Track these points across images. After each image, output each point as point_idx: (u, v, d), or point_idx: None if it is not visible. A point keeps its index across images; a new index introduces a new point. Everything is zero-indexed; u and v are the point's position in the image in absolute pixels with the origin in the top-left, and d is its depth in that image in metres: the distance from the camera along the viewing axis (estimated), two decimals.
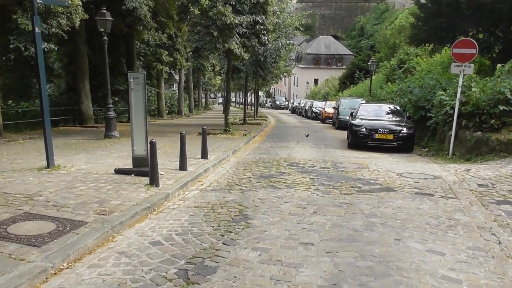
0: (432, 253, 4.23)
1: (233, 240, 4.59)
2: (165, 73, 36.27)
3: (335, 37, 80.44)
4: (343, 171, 9.11)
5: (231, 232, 4.87)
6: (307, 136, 17.04)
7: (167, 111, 37.77)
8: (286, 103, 64.69)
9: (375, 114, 14.48)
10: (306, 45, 70.72)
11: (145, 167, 7.45)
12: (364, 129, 12.93)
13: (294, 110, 46.46)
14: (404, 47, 33.92)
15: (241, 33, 15.26)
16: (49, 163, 8.18)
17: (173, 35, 26.40)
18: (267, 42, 16.34)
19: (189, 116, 38.09)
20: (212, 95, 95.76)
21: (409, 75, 23.44)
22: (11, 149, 11.66)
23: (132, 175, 7.62)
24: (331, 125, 25.17)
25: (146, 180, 7.05)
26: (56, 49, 14.85)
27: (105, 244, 4.50)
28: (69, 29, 14.00)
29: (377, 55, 43.81)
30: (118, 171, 7.82)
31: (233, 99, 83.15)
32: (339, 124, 21.98)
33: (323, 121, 28.30)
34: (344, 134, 18.38)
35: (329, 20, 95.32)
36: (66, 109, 22.29)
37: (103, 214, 5.27)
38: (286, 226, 5.09)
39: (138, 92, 7.45)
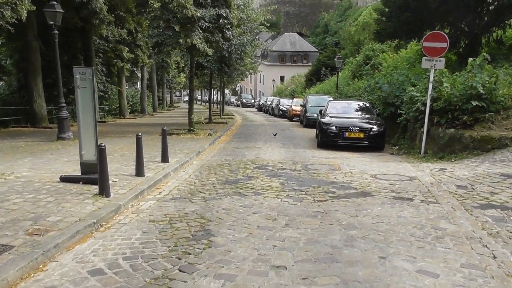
0: (424, 275, 3.65)
1: (191, 265, 3.85)
2: (127, 71, 34.83)
3: (300, 34, 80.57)
4: (314, 173, 8.52)
5: (190, 254, 4.13)
6: (275, 135, 16.44)
7: (129, 110, 36.33)
8: (253, 101, 64.09)
9: (345, 112, 14.04)
10: (271, 42, 70.45)
11: (95, 174, 6.56)
12: (334, 128, 12.44)
13: (261, 108, 45.90)
14: (369, 43, 34.07)
15: (204, 27, 14.45)
16: None
17: (133, 31, 25.16)
18: (231, 37, 15.58)
19: (152, 115, 36.77)
20: (177, 93, 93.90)
21: (376, 71, 23.31)
22: None
23: (80, 184, 6.72)
24: (299, 123, 24.71)
25: (96, 189, 6.18)
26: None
27: (32, 275, 3.66)
28: (16, 21, 12.74)
29: (342, 52, 43.90)
30: (64, 179, 6.90)
31: (199, 97, 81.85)
32: (307, 122, 21.53)
33: (290, 119, 27.82)
34: (312, 132, 17.94)
35: (294, 17, 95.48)
36: (18, 108, 20.71)
37: (36, 234, 4.40)
38: (255, 244, 4.40)
39: (85, 89, 6.56)
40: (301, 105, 24.32)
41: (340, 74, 29.21)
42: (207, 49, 14.35)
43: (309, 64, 60.63)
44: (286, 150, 12.21)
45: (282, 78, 66.63)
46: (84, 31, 22.77)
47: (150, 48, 16.56)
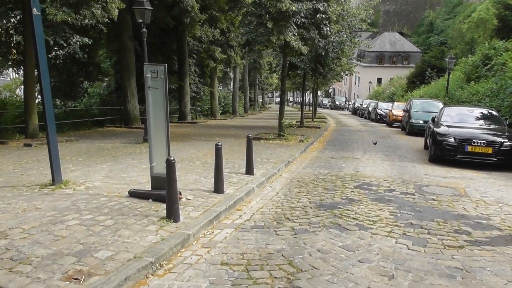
0: None
1: None
2: (219, 72, 34.93)
3: (401, 33, 75.41)
4: (434, 200, 6.68)
5: None
6: (375, 143, 14.50)
7: (220, 111, 36.46)
8: (347, 103, 61.33)
9: (464, 120, 11.70)
10: (369, 42, 66.88)
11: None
12: (452, 139, 10.26)
13: (356, 111, 43.31)
14: (485, 41, 30.00)
15: (299, 23, 13.10)
16: (54, 179, 6.55)
17: (226, 30, 24.71)
18: (329, 34, 14.00)
19: (243, 116, 36.44)
20: (269, 95, 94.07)
21: (499, 73, 20.01)
22: (38, 154, 10.37)
23: (150, 200, 5.75)
24: (400, 129, 22.21)
25: (165, 209, 5.12)
26: (89, 42, 13.51)
27: None
28: (108, 21, 12.61)
29: (451, 52, 39.57)
30: (133, 194, 5.99)
31: (290, 99, 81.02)
32: (411, 129, 19.09)
33: (390, 124, 25.29)
34: (418, 141, 15.68)
35: (394, 16, 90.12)
36: (114, 108, 21.34)
37: (75, 279, 3.38)
38: None
39: (156, 91, 5.56)
40: (403, 110, 21.78)
41: (450, 76, 25.91)
42: (301, 47, 12.96)
43: (410, 65, 56.29)
44: (390, 164, 10.35)
45: (379, 80, 62.88)
46: (178, 32, 22.82)
47: (241, 47, 15.54)
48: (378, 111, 30.16)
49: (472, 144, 9.96)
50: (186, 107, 24.93)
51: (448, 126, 10.99)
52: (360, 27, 17.81)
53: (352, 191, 7.13)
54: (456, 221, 5.53)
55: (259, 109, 55.45)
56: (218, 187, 6.40)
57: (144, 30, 12.40)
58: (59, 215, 4.95)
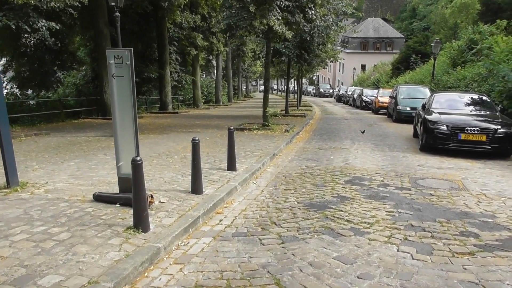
0: None
1: None
2: (202, 60, 33.96)
3: (384, 19, 75.06)
4: (432, 195, 6.14)
5: None
6: (363, 132, 13.96)
7: (203, 100, 35.59)
8: (331, 90, 60.91)
9: (456, 107, 11.22)
10: (352, 28, 66.34)
11: None
12: (444, 127, 9.74)
13: (340, 99, 42.85)
14: (468, 26, 29.69)
15: (282, 6, 12.39)
16: (9, 181, 5.78)
17: (207, 16, 23.73)
18: (314, 17, 13.31)
19: (227, 105, 35.63)
20: (253, 83, 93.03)
21: (485, 57, 19.64)
22: None
23: (117, 205, 5.06)
24: (386, 116, 21.77)
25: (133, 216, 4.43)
26: (57, 27, 12.52)
27: None
28: (78, 5, 11.69)
29: (434, 37, 39.27)
30: (98, 198, 5.29)
31: (275, 87, 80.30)
32: (398, 116, 18.66)
33: (375, 111, 24.85)
34: (406, 128, 15.26)
35: (377, 1, 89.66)
36: (91, 99, 20.33)
37: None
38: None
39: (121, 79, 4.82)
40: (390, 97, 21.31)
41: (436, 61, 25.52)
42: (285, 31, 12.26)
43: (394, 51, 56.05)
44: (381, 154, 9.81)
45: (363, 67, 62.52)
46: (157, 18, 21.82)
47: (223, 33, 14.74)
48: (364, 98, 29.70)
49: (466, 131, 9.46)
50: (167, 97, 24.01)
51: (440, 113, 10.48)
52: (345, 11, 17.13)
53: (344, 187, 6.55)
54: (460, 220, 4.99)
55: (243, 97, 54.58)
56: (196, 188, 5.73)
57: (117, 14, 11.59)
58: (5, 227, 4.21)
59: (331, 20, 14.83)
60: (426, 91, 19.40)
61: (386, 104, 22.61)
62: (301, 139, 12.73)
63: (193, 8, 22.90)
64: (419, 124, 11.54)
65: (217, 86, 36.56)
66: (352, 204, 5.63)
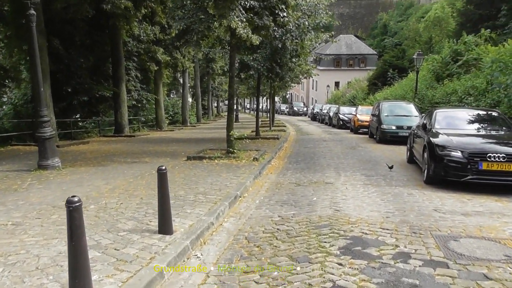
0: None
1: None
2: (167, 77, 31.30)
3: (356, 36, 74.67)
4: (486, 277, 3.70)
5: None
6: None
7: (168, 121, 32.85)
8: (305, 109, 59.20)
9: (465, 126, 8.99)
10: (325, 45, 65.27)
11: None
12: (459, 154, 7.43)
13: (315, 117, 40.89)
14: (443, 40, 28.39)
15: (247, 6, 10.06)
16: None
17: (166, 26, 21.23)
18: (286, 21, 11.00)
19: (194, 126, 32.99)
20: (225, 102, 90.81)
21: (473, 68, 17.88)
22: None
23: None
24: (368, 136, 19.62)
25: None
26: None
27: None
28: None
29: (410, 52, 38.07)
30: None
31: (247, 105, 78.36)
32: (382, 136, 16.47)
33: (355, 131, 22.69)
34: (395, 151, 13.17)
35: (348, 19, 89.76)
36: (28, 121, 17.36)
37: None
38: None
39: None
40: (372, 115, 19.20)
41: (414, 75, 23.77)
42: (251, 36, 9.87)
43: (368, 68, 55.03)
44: (378, 192, 7.39)
45: (337, 84, 61.22)
46: (110, 28, 19.22)
47: (175, 39, 12.24)
48: (341, 116, 27.67)
49: (488, 159, 7.17)
50: (123, 118, 21.18)
51: (448, 135, 8.20)
52: (321, 19, 14.89)
53: (340, 264, 4.03)
54: None
55: (214, 117, 52.13)
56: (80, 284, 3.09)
57: (32, 12, 9.13)
58: None
59: (306, 23, 12.57)
60: (411, 108, 17.47)
61: (367, 123, 20.52)
62: (273, 169, 10.24)
63: (152, 17, 20.43)
64: (418, 149, 9.26)
65: (183, 105, 33.94)
66: None
